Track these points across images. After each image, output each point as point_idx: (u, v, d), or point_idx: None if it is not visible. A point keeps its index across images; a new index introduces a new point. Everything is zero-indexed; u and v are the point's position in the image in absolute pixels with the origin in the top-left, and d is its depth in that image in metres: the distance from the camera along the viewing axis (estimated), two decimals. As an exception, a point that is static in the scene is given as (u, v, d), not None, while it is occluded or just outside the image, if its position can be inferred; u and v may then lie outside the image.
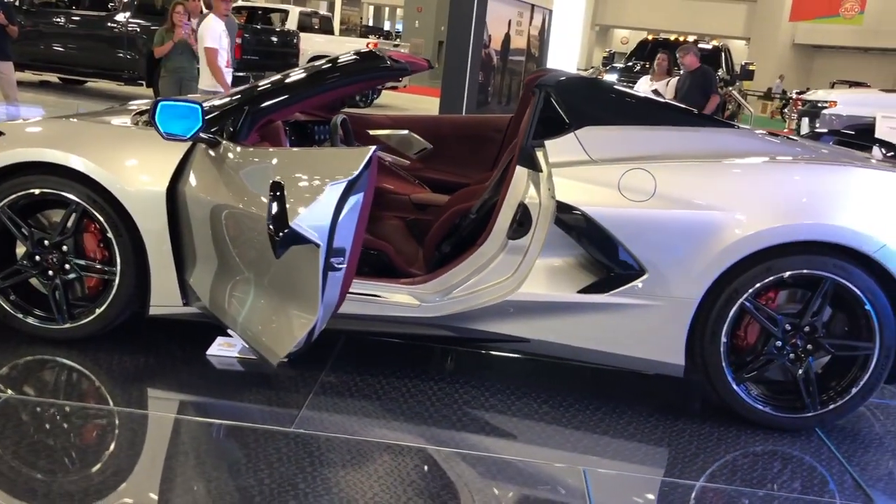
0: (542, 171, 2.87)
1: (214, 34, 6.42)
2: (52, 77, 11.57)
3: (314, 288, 2.36)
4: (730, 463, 2.61)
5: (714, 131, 3.07)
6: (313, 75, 3.13)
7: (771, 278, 2.69)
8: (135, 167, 2.92)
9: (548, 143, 2.89)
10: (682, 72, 7.93)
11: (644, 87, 7.96)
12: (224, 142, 2.82)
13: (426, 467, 2.41)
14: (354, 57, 3.24)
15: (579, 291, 2.76)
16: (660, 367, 2.81)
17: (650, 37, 17.76)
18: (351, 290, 2.94)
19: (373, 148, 2.42)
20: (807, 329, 2.74)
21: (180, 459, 2.38)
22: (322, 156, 2.56)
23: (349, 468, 2.36)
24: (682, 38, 15.38)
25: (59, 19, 10.86)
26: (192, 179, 2.85)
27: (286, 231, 2.28)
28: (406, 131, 4.26)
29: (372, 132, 4.25)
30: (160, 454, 2.41)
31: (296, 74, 3.22)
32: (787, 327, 2.75)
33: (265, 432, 2.50)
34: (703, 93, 7.63)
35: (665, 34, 19.88)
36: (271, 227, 2.28)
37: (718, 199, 2.69)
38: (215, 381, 2.88)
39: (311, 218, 2.31)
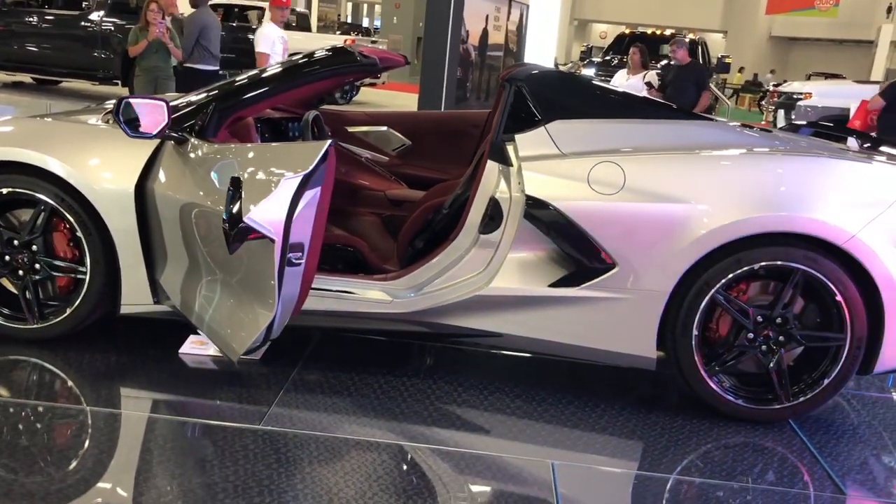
0: (512, 165, 2.78)
1: (268, 40, 6.34)
2: (26, 77, 11.24)
3: (271, 283, 2.27)
4: (702, 455, 2.54)
5: (687, 124, 2.99)
6: (282, 72, 3.04)
7: (741, 270, 2.62)
8: (103, 165, 2.82)
9: (518, 136, 2.80)
10: (664, 65, 7.83)
11: (621, 80, 7.86)
12: (192, 139, 2.72)
13: (394, 463, 2.33)
14: (325, 53, 3.15)
15: (550, 285, 2.68)
16: (631, 360, 2.73)
17: (628, 31, 17.68)
18: (323, 286, 2.87)
19: (328, 142, 2.34)
20: (778, 321, 2.67)
21: (146, 457, 2.29)
22: (279, 151, 2.48)
23: (316, 465, 2.27)
24: (659, 32, 15.31)
25: (31, 19, 10.51)
26: (161, 177, 2.75)
27: (239, 226, 2.20)
28: (385, 128, 4.16)
29: (350, 129, 4.16)
30: (128, 453, 2.32)
31: (267, 71, 3.12)
32: (759, 319, 2.68)
33: (234, 430, 2.42)
34: (695, 87, 7.50)
35: (643, 28, 19.79)
36: (225, 222, 2.19)
37: (688, 192, 2.61)
38: (187, 379, 2.79)
39: (264, 213, 2.24)
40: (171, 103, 2.93)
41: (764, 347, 2.69)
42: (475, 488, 2.27)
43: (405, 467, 2.33)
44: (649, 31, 17.18)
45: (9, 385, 2.66)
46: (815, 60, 28.46)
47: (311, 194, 2.30)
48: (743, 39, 28.36)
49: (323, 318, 2.85)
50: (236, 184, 2.25)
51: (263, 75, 3.04)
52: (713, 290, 2.62)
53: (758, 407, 2.72)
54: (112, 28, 10.13)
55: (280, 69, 3.09)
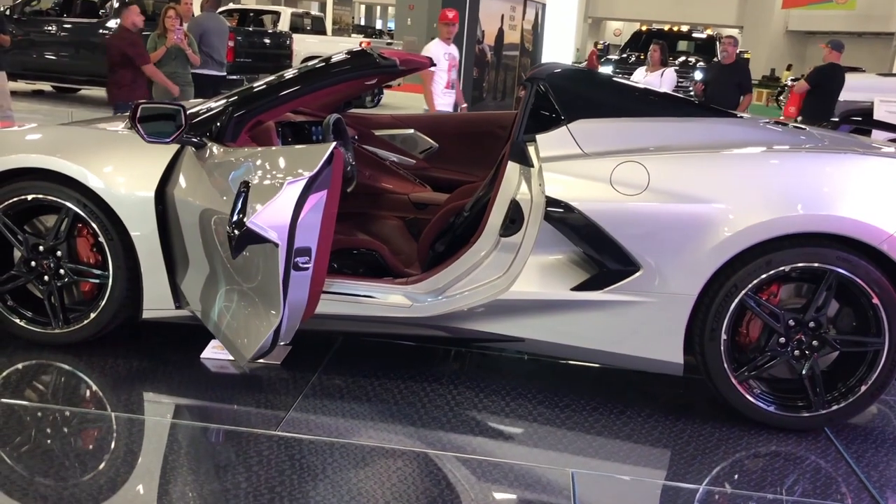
0: (533, 166, 2.61)
1: (435, 57, 6.02)
2: (46, 86, 11.15)
3: (277, 288, 2.16)
4: (732, 465, 2.35)
5: (712, 121, 2.79)
6: (302, 75, 2.91)
7: (771, 272, 2.42)
8: (124, 171, 2.72)
9: (539, 137, 2.63)
10: (691, 62, 7.50)
11: (640, 78, 7.59)
12: (210, 143, 2.60)
13: (410, 470, 2.19)
14: (344, 56, 3.01)
15: (573, 289, 2.51)
16: (657, 365, 2.55)
17: (644, 28, 17.21)
18: (343, 290, 2.73)
19: (332, 144, 2.21)
20: (811, 325, 2.47)
21: (161, 462, 2.19)
22: (285, 154, 2.36)
23: (330, 472, 2.14)
24: (676, 29, 14.87)
25: (50, 28, 10.36)
26: (180, 182, 2.64)
27: (242, 231, 2.08)
28: (411, 130, 4.02)
29: (377, 132, 4.02)
30: (145, 458, 2.21)
31: (286, 75, 2.99)
32: (791, 323, 2.48)
33: (249, 435, 2.30)
34: (738, 88, 7.11)
35: (657, 24, 19.25)
36: (229, 227, 2.08)
37: (714, 191, 2.42)
38: (207, 383, 2.67)
39: (268, 217, 2.13)
40: (192, 109, 2.83)
41: (796, 352, 2.49)
42: (492, 497, 2.12)
43: (421, 475, 2.19)
44: (666, 27, 16.68)
45: (34, 389, 2.58)
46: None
47: (317, 198, 2.17)
48: (759, 34, 27.57)
49: (342, 322, 2.72)
50: (244, 188, 2.13)
51: (282, 79, 2.91)
52: (742, 293, 2.43)
53: (791, 414, 2.51)
54: None
55: (299, 73, 2.96)
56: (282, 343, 2.31)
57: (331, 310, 2.67)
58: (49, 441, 2.25)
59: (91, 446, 2.27)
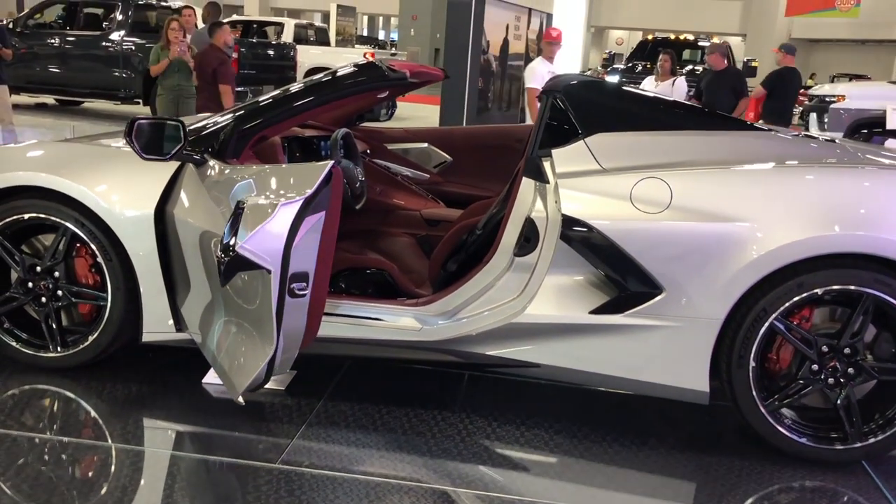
0: (548, 182, 2.44)
1: (538, 76, 6.15)
2: (49, 99, 10.99)
3: (270, 317, 2.00)
4: (761, 501, 2.17)
5: (740, 134, 2.61)
6: (307, 89, 2.76)
7: (804, 295, 2.23)
8: (122, 189, 2.58)
9: (555, 152, 2.46)
10: (702, 70, 7.34)
11: (649, 88, 7.42)
12: (210, 160, 2.45)
13: (417, 509, 2.02)
14: (352, 68, 2.86)
15: (591, 312, 2.33)
16: (681, 393, 2.36)
17: (650, 37, 16.98)
18: (348, 312, 2.57)
19: (330, 163, 2.05)
20: (847, 351, 2.27)
21: (156, 498, 2.03)
22: (282, 173, 2.21)
23: (331, 510, 1.97)
24: (682, 37, 14.63)
25: (53, 40, 10.18)
26: (180, 201, 2.49)
27: (231, 256, 1.91)
28: (425, 144, 3.88)
29: (390, 146, 3.88)
30: (140, 493, 2.06)
31: (291, 89, 2.84)
32: (825, 349, 2.28)
33: (248, 468, 2.14)
34: (734, 94, 6.99)
35: (661, 33, 18.97)
36: (220, 252, 1.92)
37: (742, 209, 2.24)
38: (208, 411, 2.52)
39: (260, 242, 1.97)
40: (196, 123, 2.69)
41: (831, 381, 2.29)
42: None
43: (430, 514, 2.01)
44: (671, 36, 16.42)
45: (32, 417, 2.44)
46: (837, 62, 27.16)
47: (314, 220, 2.01)
48: (763, 42, 27.19)
49: (348, 346, 2.56)
50: (239, 209, 1.97)
51: (287, 94, 2.76)
52: (772, 318, 2.24)
53: (825, 447, 2.32)
54: (133, 47, 9.79)
55: (304, 87, 2.81)
56: (275, 376, 2.14)
57: (336, 333, 2.51)
58: (48, 472, 2.12)
59: (90, 478, 2.13)
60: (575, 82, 2.75)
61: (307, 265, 2.02)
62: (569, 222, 2.30)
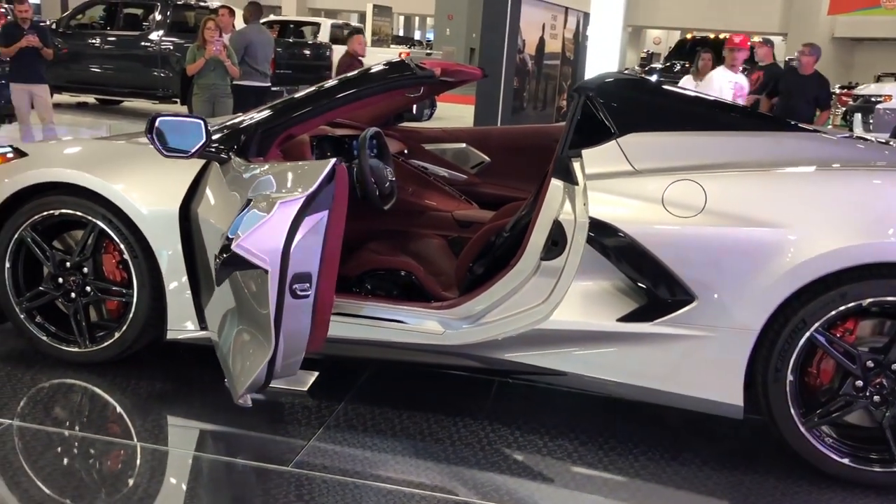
0: (577, 183, 2.46)
1: (715, 87, 5.91)
2: (90, 98, 11.40)
3: (268, 317, 2.06)
4: (798, 523, 2.13)
5: (783, 136, 2.58)
6: (334, 88, 2.84)
7: (847, 306, 2.19)
8: (149, 186, 2.70)
9: (585, 152, 2.47)
10: (787, 68, 7.09)
11: (690, 87, 7.26)
12: (234, 158, 2.55)
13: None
14: (381, 67, 2.93)
15: (619, 320, 2.34)
16: (713, 407, 2.34)
17: (689, 35, 16.76)
18: (370, 314, 2.63)
19: (332, 161, 2.09)
20: (894, 367, 2.22)
21: (152, 495, 2.12)
22: (286, 171, 2.27)
23: (342, 516, 2.03)
24: (721, 36, 14.39)
25: (94, 41, 10.65)
26: (203, 199, 2.59)
27: (227, 255, 1.98)
28: (463, 144, 3.94)
29: (427, 146, 3.95)
30: (139, 487, 2.15)
31: (319, 87, 2.93)
32: (870, 364, 2.24)
33: (260, 470, 2.21)
34: (815, 103, 6.69)
35: (699, 32, 18.67)
36: (217, 250, 1.98)
37: (781, 214, 2.22)
38: (229, 409, 2.56)
39: (257, 240, 2.02)
40: (226, 122, 2.79)
41: (876, 398, 2.25)
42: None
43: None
44: (711, 35, 16.17)
45: (59, 412, 2.56)
46: (881, 61, 26.11)
47: (316, 219, 2.06)
48: (805, 41, 26.49)
49: (369, 348, 2.61)
50: (244, 208, 2.04)
51: (314, 92, 2.85)
52: (811, 329, 2.21)
53: (868, 468, 2.26)
54: (171, 47, 10.15)
55: (332, 85, 2.89)
56: (286, 378, 2.20)
57: (357, 334, 2.57)
58: (75, 466, 2.23)
59: (114, 476, 2.24)
60: (609, 80, 2.76)
61: (310, 266, 2.07)
62: (596, 225, 2.32)
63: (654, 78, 13.04)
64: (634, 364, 2.35)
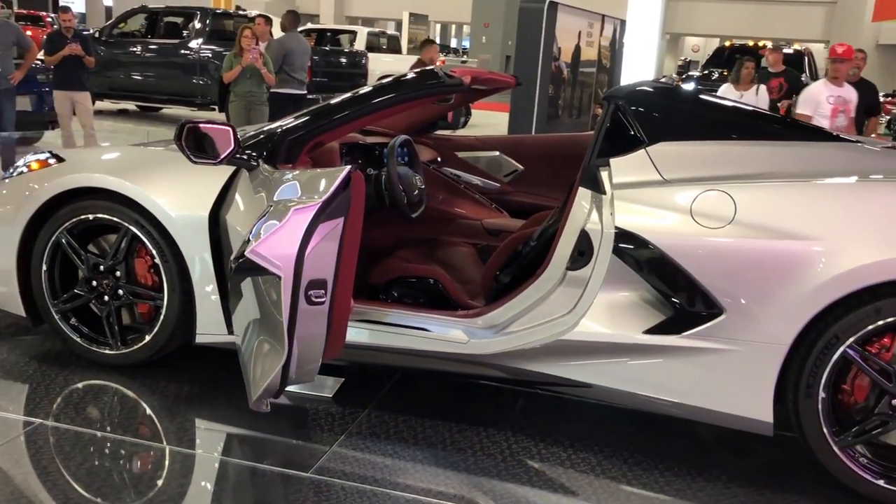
0: (605, 193, 2.46)
1: (811, 100, 5.56)
2: (130, 105, 11.70)
3: (282, 323, 2.11)
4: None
5: (819, 146, 2.55)
6: (362, 96, 2.89)
7: (882, 322, 2.15)
8: (180, 192, 2.79)
9: (613, 161, 2.48)
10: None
11: (732, 96, 6.94)
12: (262, 164, 2.61)
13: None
14: (409, 75, 2.98)
15: (645, 332, 2.33)
16: (742, 423, 2.31)
17: (728, 43, 16.55)
18: (396, 321, 2.66)
19: (347, 168, 2.13)
20: (932, 386, 2.18)
21: (174, 496, 2.18)
22: (304, 178, 2.32)
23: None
24: (760, 44, 14.15)
25: (135, 49, 10.96)
26: (231, 206, 2.66)
27: (240, 261, 2.03)
28: (496, 153, 3.97)
29: (460, 154, 3.99)
30: (161, 488, 2.21)
31: (348, 95, 2.99)
32: (906, 383, 2.19)
33: (280, 475, 2.25)
34: (865, 111, 6.43)
35: (738, 40, 18.41)
36: (233, 255, 2.04)
37: (813, 226, 2.19)
38: (253, 413, 2.62)
39: (271, 247, 2.07)
40: (260, 129, 2.85)
41: (913, 418, 2.20)
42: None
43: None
44: (750, 42, 15.94)
45: (90, 413, 2.64)
46: None
47: (332, 226, 2.10)
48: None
49: (394, 356, 2.65)
50: (263, 214, 2.10)
51: (343, 100, 2.90)
52: (845, 345, 2.17)
53: (905, 490, 2.21)
54: (210, 55, 10.39)
55: (360, 93, 2.94)
56: (293, 384, 2.24)
57: (381, 342, 2.61)
58: (106, 466, 2.30)
59: (137, 475, 2.31)
60: (640, 88, 2.76)
61: (325, 273, 2.11)
62: (623, 235, 2.32)
63: (691, 86, 12.92)
64: (660, 377, 2.34)
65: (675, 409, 2.40)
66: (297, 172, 2.39)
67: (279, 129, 2.75)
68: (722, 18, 27.82)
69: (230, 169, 2.71)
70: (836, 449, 2.23)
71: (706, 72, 14.54)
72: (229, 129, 2.50)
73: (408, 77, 2.95)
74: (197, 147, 2.51)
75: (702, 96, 3.17)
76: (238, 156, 2.55)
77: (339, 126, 2.82)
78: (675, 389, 2.34)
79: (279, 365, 2.16)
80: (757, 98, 6.76)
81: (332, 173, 2.18)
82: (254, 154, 2.64)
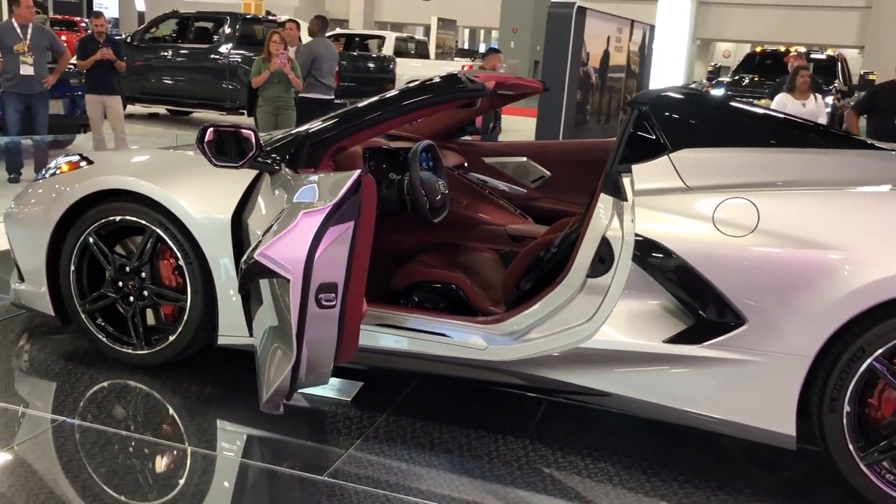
0: (626, 199, 2.46)
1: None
2: (161, 109, 11.94)
3: (291, 326, 2.14)
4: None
5: (850, 154, 2.53)
6: (384, 100, 2.92)
7: (912, 335, 2.12)
8: (204, 195, 2.85)
9: (635, 167, 2.48)
10: (882, 85, 6.71)
11: (792, 106, 6.67)
12: (284, 169, 2.66)
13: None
14: (432, 80, 3.00)
15: (665, 341, 2.32)
16: (763, 435, 2.29)
17: (758, 49, 16.35)
18: (414, 326, 2.68)
19: (356, 172, 2.16)
20: (962, 402, 2.13)
21: (189, 495, 2.22)
22: (317, 182, 2.35)
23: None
24: (792, 50, 13.93)
25: (166, 53, 11.20)
26: (253, 209, 2.71)
27: (249, 263, 2.06)
28: (524, 159, 3.99)
29: (487, 160, 4.02)
30: (182, 489, 2.26)
31: (369, 100, 3.03)
32: (936, 398, 2.15)
33: (294, 477, 2.29)
34: None
35: (770, 45, 18.14)
36: (243, 259, 2.08)
37: (837, 236, 2.16)
38: (271, 415, 2.69)
39: (280, 250, 2.11)
40: (284, 133, 2.90)
41: (943, 435, 2.16)
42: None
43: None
44: (782, 48, 15.73)
45: (118, 411, 2.71)
46: None
47: (342, 230, 2.13)
48: (883, 55, 25.04)
49: (412, 360, 2.67)
50: (277, 217, 2.14)
51: (366, 105, 2.94)
52: (871, 358, 2.14)
53: (933, 509, 2.17)
54: (239, 59, 10.57)
55: (384, 98, 2.98)
56: (303, 388, 2.26)
57: (399, 346, 2.64)
58: (129, 465, 2.36)
59: (153, 473, 2.36)
60: (664, 94, 2.76)
61: (336, 276, 2.14)
62: (642, 243, 2.31)
63: (720, 91, 12.76)
64: (681, 387, 2.33)
65: (695, 419, 2.38)
66: (313, 176, 2.43)
67: (301, 134, 2.79)
68: (754, 24, 27.49)
69: (254, 173, 2.76)
70: (861, 465, 2.19)
71: (736, 77, 14.40)
72: (251, 132, 2.55)
73: (430, 82, 2.98)
74: (219, 150, 2.56)
75: (730, 103, 3.15)
76: (259, 159, 2.59)
77: (361, 130, 2.85)
78: (694, 400, 2.33)
79: (288, 367, 2.19)
80: (816, 107, 6.54)
81: (343, 177, 2.22)
82: (276, 158, 2.68)
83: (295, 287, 2.11)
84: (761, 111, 2.98)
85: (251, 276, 2.17)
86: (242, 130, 2.55)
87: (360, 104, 2.98)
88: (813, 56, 14.13)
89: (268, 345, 2.42)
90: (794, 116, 2.98)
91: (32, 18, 6.63)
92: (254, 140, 2.53)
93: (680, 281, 2.28)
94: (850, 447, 2.19)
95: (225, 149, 2.57)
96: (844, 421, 2.18)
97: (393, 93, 3.03)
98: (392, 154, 3.56)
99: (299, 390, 2.33)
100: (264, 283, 2.59)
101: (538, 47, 7.44)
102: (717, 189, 2.34)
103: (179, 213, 2.81)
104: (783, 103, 6.76)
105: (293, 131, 2.92)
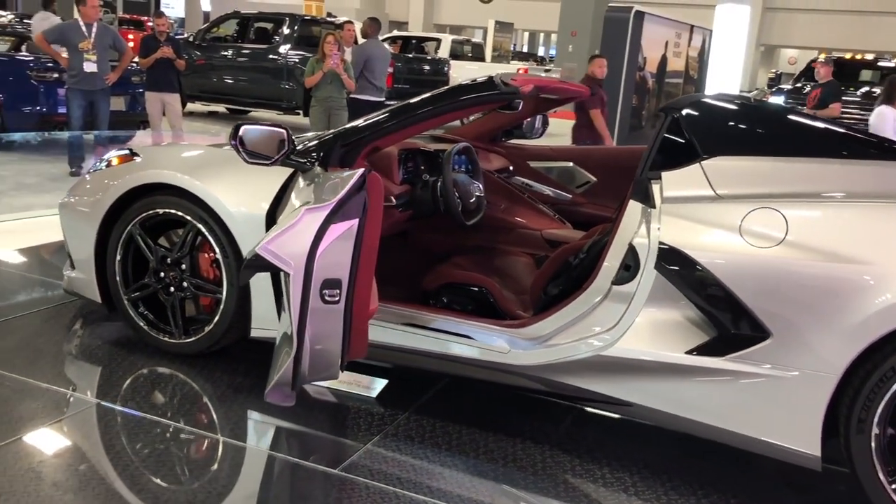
0: (654, 206, 2.46)
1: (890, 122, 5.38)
2: (220, 107, 12.28)
3: (293, 320, 2.21)
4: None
5: (890, 164, 2.46)
6: (418, 102, 2.99)
7: (947, 356, 2.05)
8: (241, 191, 2.96)
9: (665, 174, 2.47)
10: (875, 93, 6.50)
11: (892, 116, 6.14)
12: (316, 168, 2.74)
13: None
14: (467, 83, 3.05)
15: (688, 352, 2.31)
16: (786, 454, 2.25)
17: (822, 56, 15.82)
18: (441, 328, 2.73)
19: (360, 170, 2.22)
20: None
21: (202, 485, 2.31)
22: (327, 180, 2.42)
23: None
24: (860, 57, 13.38)
25: (227, 53, 11.55)
26: (287, 206, 2.80)
27: (250, 256, 2.14)
28: (570, 163, 4.00)
29: (532, 164, 4.04)
30: (188, 476, 2.36)
31: (404, 102, 3.09)
32: (970, 423, 2.08)
33: (307, 469, 2.36)
34: None
35: (837, 52, 17.44)
36: (247, 252, 2.17)
37: (869, 250, 2.12)
38: (298, 409, 2.77)
39: (281, 244, 2.18)
40: (322, 133, 3.00)
41: (977, 462, 2.08)
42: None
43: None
44: (848, 55, 15.12)
45: (156, 398, 2.84)
46: None
47: (345, 227, 2.19)
48: None
49: (436, 361, 2.72)
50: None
51: (399, 106, 3.01)
52: (903, 379, 2.08)
53: (964, 539, 2.10)
54: (297, 60, 10.81)
55: (416, 100, 3.05)
56: (308, 382, 2.32)
57: (423, 346, 2.69)
58: (164, 452, 2.48)
59: (174, 457, 2.47)
60: (700, 100, 2.74)
61: (340, 272, 2.21)
62: (667, 252, 2.31)
63: (780, 99, 12.40)
64: (702, 400, 2.31)
65: (716, 434, 2.36)
66: (326, 174, 2.51)
67: (337, 134, 2.88)
68: (821, 30, 26.62)
69: (289, 171, 2.86)
70: (889, 489, 2.14)
71: (798, 85, 13.99)
72: (283, 130, 2.64)
73: (462, 84, 3.03)
74: (251, 148, 2.66)
75: (771, 110, 3.10)
76: (292, 157, 2.68)
77: (394, 132, 2.92)
78: (716, 413, 2.31)
79: (286, 362, 2.27)
80: None
81: (349, 175, 2.29)
82: (313, 157, 2.77)
83: (296, 282, 2.19)
84: (803, 119, 2.92)
85: (252, 268, 2.26)
86: (275, 129, 2.64)
87: (395, 106, 3.05)
88: (881, 63, 13.61)
89: (280, 337, 2.51)
90: (833, 126, 2.90)
91: (97, 17, 6.96)
92: (286, 138, 2.63)
93: (703, 291, 2.27)
94: (878, 470, 2.14)
95: (257, 147, 2.67)
96: (873, 444, 2.13)
97: (426, 95, 3.09)
98: (429, 156, 3.62)
99: (311, 383, 2.39)
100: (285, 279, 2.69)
101: (596, 51, 7.37)
102: (746, 198, 2.32)
103: (218, 208, 2.93)
104: (882, 115, 6.25)
105: (331, 132, 3.01)
